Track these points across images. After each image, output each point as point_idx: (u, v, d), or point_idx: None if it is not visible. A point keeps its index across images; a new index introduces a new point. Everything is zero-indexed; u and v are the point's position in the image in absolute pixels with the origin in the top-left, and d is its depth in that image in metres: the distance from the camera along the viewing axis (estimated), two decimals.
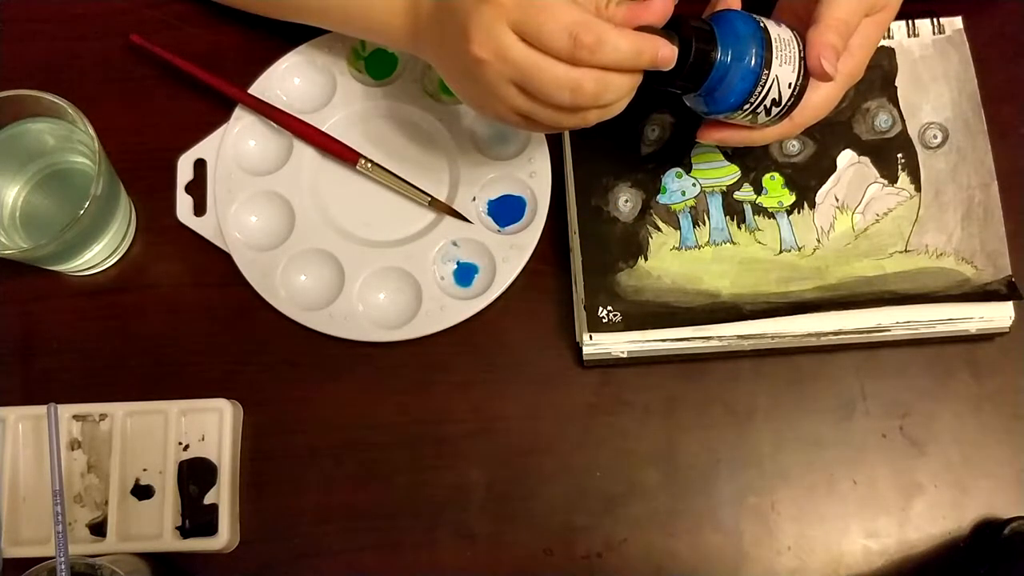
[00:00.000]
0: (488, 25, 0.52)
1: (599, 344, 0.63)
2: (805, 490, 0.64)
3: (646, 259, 0.65)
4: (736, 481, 0.64)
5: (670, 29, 0.53)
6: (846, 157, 0.67)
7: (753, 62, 0.54)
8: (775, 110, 0.56)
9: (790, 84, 0.55)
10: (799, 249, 0.65)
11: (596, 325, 0.63)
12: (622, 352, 0.63)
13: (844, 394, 0.65)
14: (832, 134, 0.67)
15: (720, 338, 0.63)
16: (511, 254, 0.66)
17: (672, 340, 0.63)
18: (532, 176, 0.67)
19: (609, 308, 0.63)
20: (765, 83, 0.54)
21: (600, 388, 0.65)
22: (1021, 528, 0.60)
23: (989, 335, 0.65)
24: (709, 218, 0.66)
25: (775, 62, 0.54)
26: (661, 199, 0.66)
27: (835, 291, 0.64)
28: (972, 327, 0.64)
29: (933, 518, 0.63)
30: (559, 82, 0.52)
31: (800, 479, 0.64)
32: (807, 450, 0.64)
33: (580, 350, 0.64)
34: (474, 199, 0.67)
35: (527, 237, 0.66)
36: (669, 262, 0.65)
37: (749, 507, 0.64)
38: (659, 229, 0.65)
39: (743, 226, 0.66)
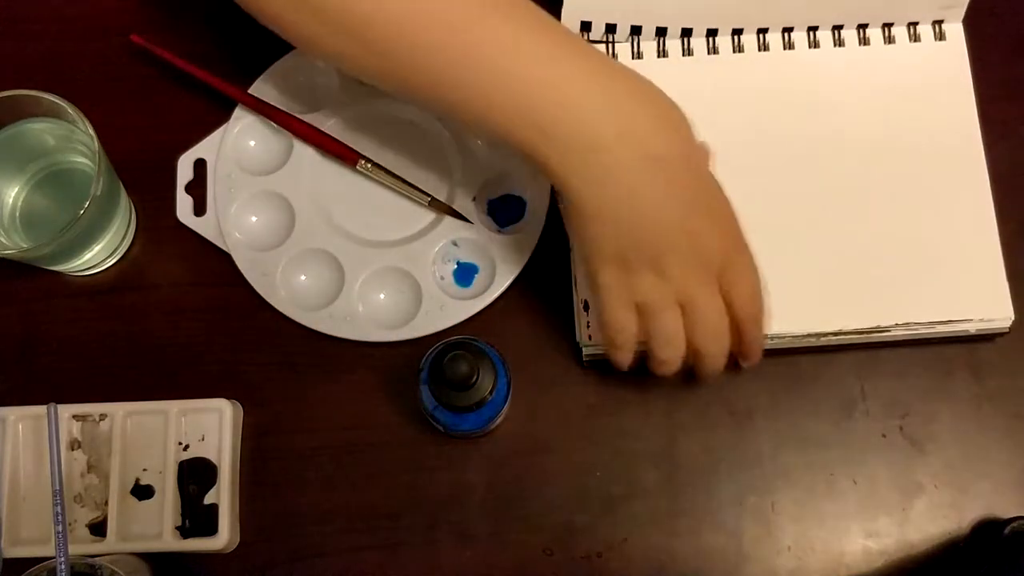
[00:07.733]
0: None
1: (599, 344, 0.63)
2: (805, 490, 0.64)
3: None
4: (736, 481, 0.64)
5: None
6: None
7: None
8: None
9: None
10: None
11: None
12: None
13: (844, 394, 0.65)
14: None
15: None
16: (511, 254, 0.66)
17: None
18: (532, 176, 0.67)
19: None
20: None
21: (600, 388, 0.65)
22: (1021, 528, 0.60)
23: (989, 335, 0.65)
24: None
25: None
26: None
27: None
28: (972, 327, 0.63)
29: (933, 518, 0.63)
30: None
31: (800, 479, 0.64)
32: (807, 450, 0.64)
33: (580, 350, 0.64)
34: (474, 199, 0.67)
35: (527, 237, 0.66)
36: None
37: (749, 507, 0.64)
38: None
39: None
